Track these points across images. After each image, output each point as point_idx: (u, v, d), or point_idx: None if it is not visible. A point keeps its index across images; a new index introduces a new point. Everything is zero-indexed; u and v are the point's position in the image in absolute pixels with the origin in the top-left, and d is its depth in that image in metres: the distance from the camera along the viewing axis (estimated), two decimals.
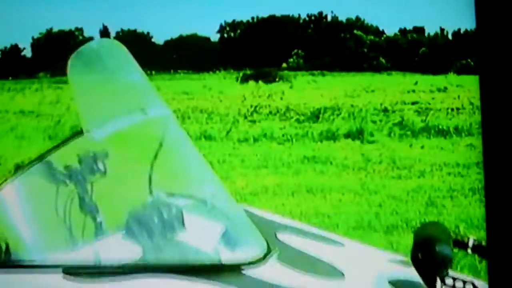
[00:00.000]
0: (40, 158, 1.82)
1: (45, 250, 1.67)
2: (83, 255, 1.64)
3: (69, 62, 1.77)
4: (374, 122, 7.34)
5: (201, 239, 1.71)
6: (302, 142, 6.39)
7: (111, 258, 1.60)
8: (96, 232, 1.84)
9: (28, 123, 6.67)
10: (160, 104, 1.82)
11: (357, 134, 6.65)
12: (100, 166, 1.86)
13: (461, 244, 1.60)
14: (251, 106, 7.08)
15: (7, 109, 6.64)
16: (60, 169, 1.82)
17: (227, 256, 1.63)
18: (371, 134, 6.70)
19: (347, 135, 6.60)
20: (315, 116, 7.17)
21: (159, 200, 1.78)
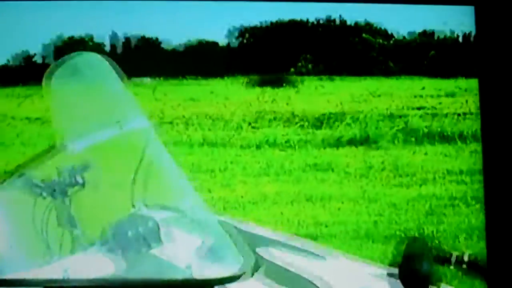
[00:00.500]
0: (17, 171, 1.79)
1: (21, 265, 1.64)
2: (54, 270, 1.62)
3: (45, 74, 1.75)
4: (378, 128, 7.26)
5: (176, 253, 1.68)
6: (305, 149, 6.33)
7: (81, 274, 1.57)
8: (73, 246, 1.82)
9: (34, 129, 6.67)
10: (139, 116, 1.80)
11: (360, 141, 6.59)
12: (79, 178, 1.84)
13: (443, 260, 1.58)
14: (255, 112, 7.02)
15: (14, 116, 6.64)
16: (37, 182, 1.80)
17: (201, 272, 1.60)
18: (375, 141, 6.63)
19: (351, 142, 6.53)
20: (319, 122, 7.10)
21: (136, 214, 1.76)
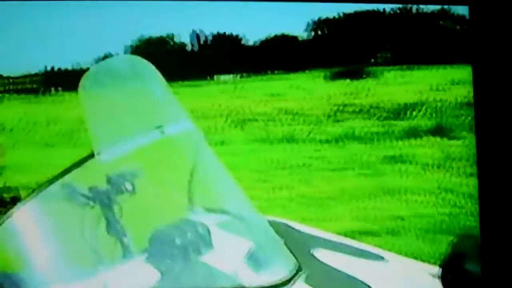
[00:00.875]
0: (57, 178, 1.84)
1: (68, 276, 1.69)
2: (96, 282, 1.67)
3: (82, 80, 1.82)
4: (456, 116, 7.23)
5: (225, 259, 1.73)
6: (383, 140, 6.36)
7: (124, 285, 1.64)
8: (124, 255, 1.87)
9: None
10: (182, 119, 1.84)
11: (438, 130, 6.59)
12: (128, 186, 1.89)
13: None
14: (335, 106, 7.08)
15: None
16: (83, 191, 1.85)
17: (251, 279, 1.65)
18: (452, 130, 6.62)
19: (428, 132, 6.54)
20: (398, 112, 7.12)
21: (185, 220, 1.80)
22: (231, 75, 5.98)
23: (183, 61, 5.64)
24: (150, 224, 1.78)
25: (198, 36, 5.68)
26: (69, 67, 5.31)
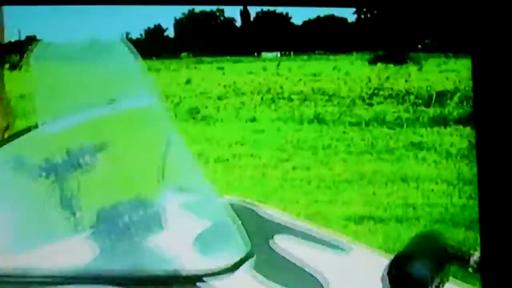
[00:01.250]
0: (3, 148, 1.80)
1: (12, 248, 1.66)
2: (36, 256, 1.65)
3: (35, 50, 1.77)
4: None
5: (174, 242, 1.69)
6: (412, 127, 6.28)
7: (60, 261, 1.62)
8: (75, 230, 1.84)
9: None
10: (145, 95, 1.78)
11: (469, 120, 6.47)
12: (87, 159, 1.84)
13: (461, 260, 1.54)
14: (372, 89, 7.02)
15: None
16: (35, 162, 1.80)
17: (194, 263, 1.61)
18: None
19: (459, 121, 6.43)
20: (430, 100, 7.02)
21: (141, 199, 1.76)
22: (276, 53, 5.96)
23: (230, 36, 5.65)
24: (106, 200, 1.75)
25: (247, 12, 5.67)
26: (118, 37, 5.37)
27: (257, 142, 5.13)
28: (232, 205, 1.85)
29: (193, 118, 5.34)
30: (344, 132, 5.86)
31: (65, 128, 1.76)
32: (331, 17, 6.00)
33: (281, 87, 5.62)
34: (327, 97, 6.11)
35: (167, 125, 1.87)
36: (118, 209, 1.70)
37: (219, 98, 5.48)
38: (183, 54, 6.17)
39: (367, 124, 6.30)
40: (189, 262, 1.56)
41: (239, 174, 4.66)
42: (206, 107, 5.30)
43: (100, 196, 1.85)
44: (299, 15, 5.80)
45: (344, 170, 5.20)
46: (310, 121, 5.82)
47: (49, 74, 1.86)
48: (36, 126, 1.78)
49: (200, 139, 4.99)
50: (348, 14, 6.07)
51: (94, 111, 1.79)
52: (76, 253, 1.61)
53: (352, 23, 6.13)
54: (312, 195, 4.43)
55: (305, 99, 6.47)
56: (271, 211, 1.98)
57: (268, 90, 5.56)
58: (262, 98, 5.46)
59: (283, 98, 5.54)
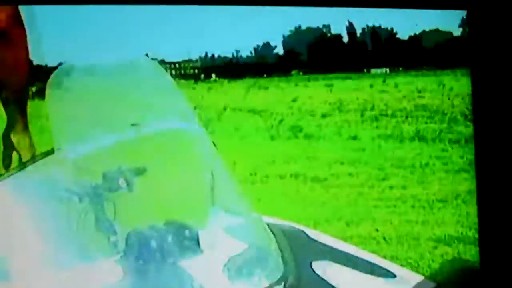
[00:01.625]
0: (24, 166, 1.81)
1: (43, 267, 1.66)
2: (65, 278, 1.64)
3: (52, 76, 1.77)
4: None
5: (207, 266, 1.68)
6: None
7: (91, 284, 1.64)
8: (110, 253, 1.85)
9: (253, 122, 7.00)
10: (179, 118, 1.76)
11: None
12: (122, 183, 1.85)
13: None
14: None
15: (240, 107, 6.97)
16: (66, 185, 1.80)
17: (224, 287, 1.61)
18: None
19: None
20: None
21: (174, 223, 1.75)
22: (385, 69, 5.98)
23: (339, 53, 5.70)
24: (141, 224, 1.80)
25: (353, 28, 5.73)
26: (228, 55, 5.48)
27: (356, 160, 5.16)
28: (282, 230, 1.84)
29: (296, 136, 5.40)
30: (443, 150, 5.82)
31: (95, 151, 1.79)
32: (435, 31, 6.01)
33: (386, 104, 5.63)
34: (429, 113, 6.08)
35: (207, 148, 1.89)
36: (145, 233, 1.74)
37: (323, 116, 5.53)
38: (294, 72, 6.25)
39: (467, 141, 6.22)
40: (219, 285, 1.59)
41: (335, 194, 4.71)
42: (309, 125, 5.36)
43: (136, 219, 1.86)
44: (402, 30, 5.82)
45: (439, 189, 5.17)
46: (411, 139, 5.80)
47: (65, 100, 1.88)
48: (52, 151, 1.79)
49: (300, 157, 5.05)
50: (454, 27, 6.05)
51: (122, 134, 1.82)
52: (108, 274, 1.65)
53: (456, 37, 6.11)
54: (404, 215, 4.46)
55: (407, 116, 6.47)
56: (322, 236, 1.98)
57: (372, 107, 5.59)
58: (363, 115, 5.50)
59: (385, 116, 5.56)
